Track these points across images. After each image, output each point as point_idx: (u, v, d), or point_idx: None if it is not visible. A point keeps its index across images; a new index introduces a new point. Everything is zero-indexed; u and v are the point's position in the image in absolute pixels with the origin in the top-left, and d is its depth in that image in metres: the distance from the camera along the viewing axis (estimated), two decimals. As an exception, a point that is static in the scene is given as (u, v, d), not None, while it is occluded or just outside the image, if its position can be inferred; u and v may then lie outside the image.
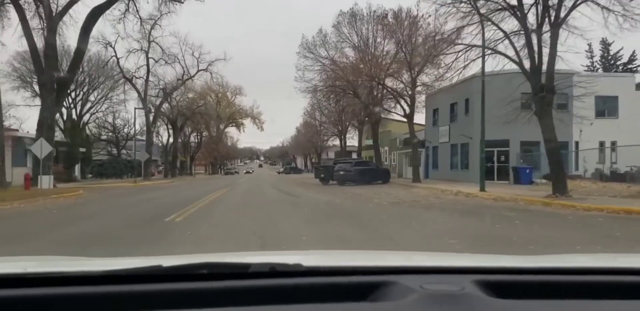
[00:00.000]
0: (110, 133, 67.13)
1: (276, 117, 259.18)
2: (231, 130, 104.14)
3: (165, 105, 58.31)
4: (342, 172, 30.20)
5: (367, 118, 40.68)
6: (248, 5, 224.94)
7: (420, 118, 35.23)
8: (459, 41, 18.89)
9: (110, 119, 63.50)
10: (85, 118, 56.67)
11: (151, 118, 48.59)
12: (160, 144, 72.93)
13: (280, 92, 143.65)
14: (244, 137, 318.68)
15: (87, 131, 65.70)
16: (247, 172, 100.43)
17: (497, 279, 1.24)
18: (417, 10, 29.16)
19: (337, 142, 72.52)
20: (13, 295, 1.12)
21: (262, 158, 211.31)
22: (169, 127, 60.47)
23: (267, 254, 2.73)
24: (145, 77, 47.47)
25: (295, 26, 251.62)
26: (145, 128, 65.70)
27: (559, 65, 16.41)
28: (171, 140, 64.84)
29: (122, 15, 32.13)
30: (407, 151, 41.66)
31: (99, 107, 57.24)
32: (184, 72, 50.35)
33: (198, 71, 50.77)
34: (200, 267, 1.23)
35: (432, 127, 35.92)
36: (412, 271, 1.29)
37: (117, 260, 1.66)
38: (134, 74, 47.78)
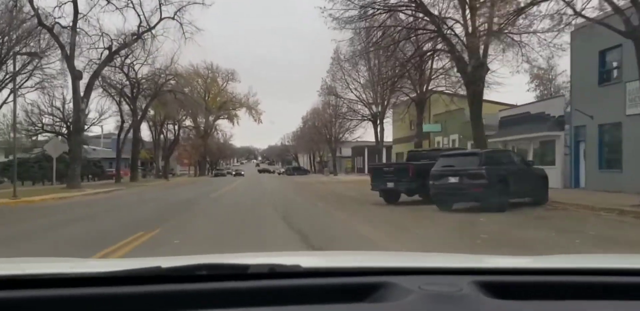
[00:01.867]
0: (57, 121, 49.94)
1: (274, 118, 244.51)
2: (222, 123, 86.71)
3: (121, 77, 40.63)
4: (453, 178, 12.36)
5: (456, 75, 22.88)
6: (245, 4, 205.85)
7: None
8: None
9: (56, 101, 46.28)
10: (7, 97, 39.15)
11: (82, 91, 30.64)
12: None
13: (279, 93, 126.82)
14: (241, 136, 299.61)
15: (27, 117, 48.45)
16: (238, 174, 76.54)
17: (495, 280, 1.24)
18: None
19: (358, 133, 55.07)
20: (11, 297, 1.10)
21: (259, 158, 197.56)
22: (122, 110, 42.28)
23: (266, 255, 2.39)
24: (71, 24, 29.69)
25: (292, 25, 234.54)
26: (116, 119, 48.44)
27: None
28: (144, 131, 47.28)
29: None
30: (514, 138, 23.85)
31: (23, 79, 39.43)
32: (140, 22, 32.64)
33: (161, 19, 33.00)
34: (199, 268, 1.21)
35: (598, 86, 18.17)
36: (411, 272, 1.28)
37: (116, 261, 1.80)
38: (56, 19, 30.05)
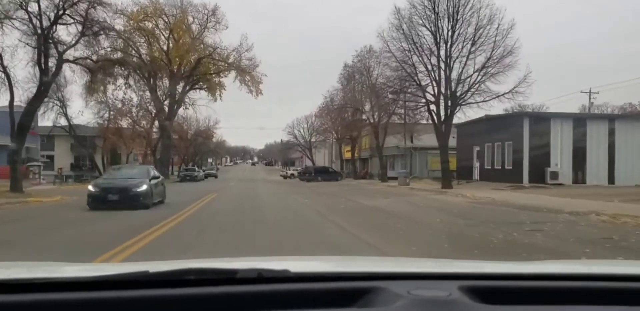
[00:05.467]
0: None
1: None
2: (197, 96, 54.46)
3: None
4: None
5: None
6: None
7: None
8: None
9: None
10: None
11: None
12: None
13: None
14: (235, 135, 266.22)
15: None
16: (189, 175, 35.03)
17: (483, 285, 1.24)
18: None
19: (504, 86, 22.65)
20: None
21: (255, 159, 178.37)
22: None
23: (255, 260, 2.19)
24: None
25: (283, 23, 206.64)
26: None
27: None
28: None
29: None
30: None
31: None
32: None
33: None
34: (187, 273, 1.20)
35: None
36: (400, 277, 1.27)
37: (103, 265, 1.74)
38: None
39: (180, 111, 61.86)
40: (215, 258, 2.25)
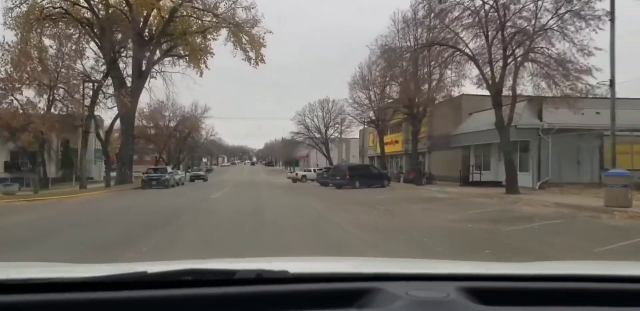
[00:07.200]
0: None
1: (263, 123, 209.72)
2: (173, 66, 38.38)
3: None
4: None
5: None
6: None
7: None
8: None
9: None
10: None
11: None
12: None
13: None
14: (233, 135, 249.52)
15: None
16: None
17: (482, 286, 1.24)
18: None
19: None
20: None
21: (254, 159, 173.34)
22: None
23: (253, 260, 2.11)
24: None
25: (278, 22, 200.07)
26: None
27: None
28: None
29: None
30: None
31: None
32: None
33: None
34: (185, 274, 1.19)
35: None
36: (398, 278, 1.27)
37: (101, 266, 1.61)
38: None
39: (157, 91, 46.54)
40: (213, 258, 2.11)
